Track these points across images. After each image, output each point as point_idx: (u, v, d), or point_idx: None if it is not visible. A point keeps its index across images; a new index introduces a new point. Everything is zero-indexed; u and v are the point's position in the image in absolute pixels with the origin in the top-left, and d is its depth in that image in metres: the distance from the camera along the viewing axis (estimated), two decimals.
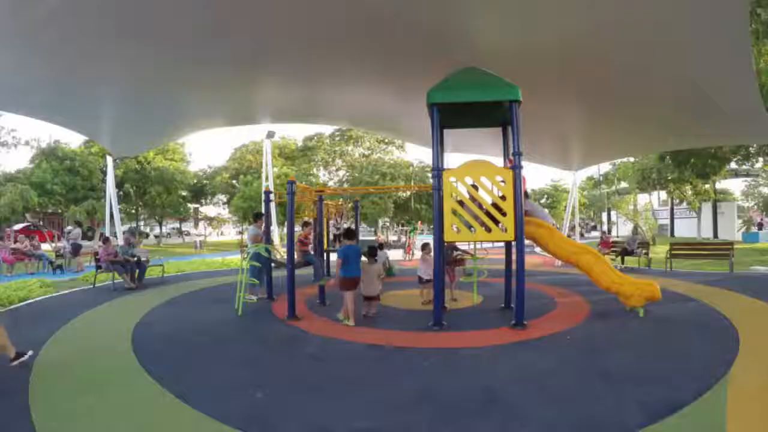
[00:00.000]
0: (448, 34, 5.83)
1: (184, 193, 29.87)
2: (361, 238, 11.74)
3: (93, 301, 7.58)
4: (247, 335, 5.47)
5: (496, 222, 5.54)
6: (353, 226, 10.11)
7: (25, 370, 3.96)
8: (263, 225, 8.19)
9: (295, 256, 6.71)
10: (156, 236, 33.17)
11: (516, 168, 5.42)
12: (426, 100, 5.66)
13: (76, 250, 13.21)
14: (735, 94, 6.87)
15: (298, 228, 8.39)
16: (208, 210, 40.12)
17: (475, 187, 5.71)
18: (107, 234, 11.99)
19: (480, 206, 5.64)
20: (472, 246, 7.66)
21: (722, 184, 29.73)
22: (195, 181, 32.09)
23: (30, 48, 6.10)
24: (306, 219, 9.81)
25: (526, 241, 5.85)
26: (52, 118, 9.64)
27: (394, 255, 15.63)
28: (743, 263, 12.24)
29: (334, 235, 10.00)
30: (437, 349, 4.72)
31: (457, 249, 7.48)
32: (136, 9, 5.15)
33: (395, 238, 27.88)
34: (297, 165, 31.49)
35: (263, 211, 8.85)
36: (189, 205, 32.31)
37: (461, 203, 5.64)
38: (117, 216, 12.83)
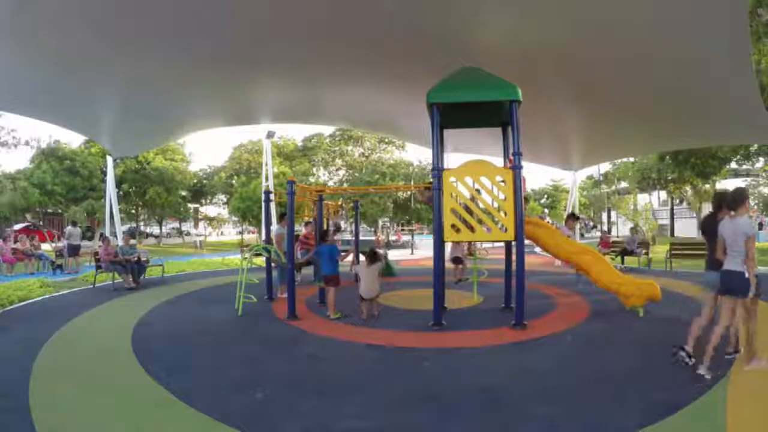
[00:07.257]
0: (448, 34, 5.83)
1: (183, 193, 29.84)
2: (360, 238, 11.73)
3: (93, 301, 7.57)
4: (247, 335, 5.47)
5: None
6: (333, 227, 9.92)
7: (25, 370, 3.96)
8: (287, 225, 8.12)
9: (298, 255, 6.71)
10: (156, 236, 33.15)
11: (516, 168, 5.42)
12: (426, 100, 5.66)
13: (72, 250, 13.10)
14: (735, 95, 6.86)
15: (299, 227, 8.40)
16: (209, 210, 40.10)
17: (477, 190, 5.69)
18: (107, 234, 11.97)
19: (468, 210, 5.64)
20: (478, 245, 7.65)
21: (722, 184, 29.70)
22: (195, 181, 32.07)
23: (30, 48, 6.11)
24: (308, 219, 9.80)
25: (526, 241, 5.85)
26: (53, 119, 9.65)
27: (394, 255, 15.61)
28: None
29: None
30: (437, 348, 4.72)
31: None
32: (136, 9, 5.16)
33: (395, 237, 27.89)
34: (293, 166, 31.34)
35: (263, 211, 8.85)
36: (189, 205, 32.28)
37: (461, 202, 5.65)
38: (117, 216, 12.81)
